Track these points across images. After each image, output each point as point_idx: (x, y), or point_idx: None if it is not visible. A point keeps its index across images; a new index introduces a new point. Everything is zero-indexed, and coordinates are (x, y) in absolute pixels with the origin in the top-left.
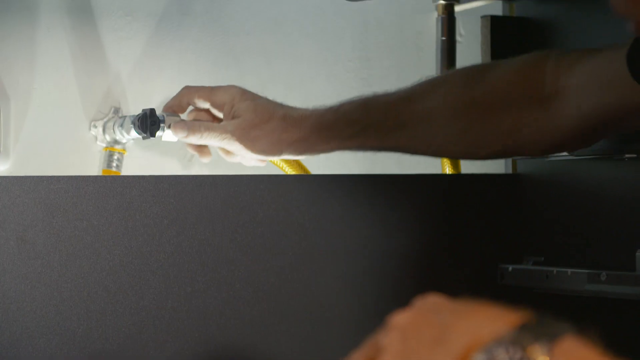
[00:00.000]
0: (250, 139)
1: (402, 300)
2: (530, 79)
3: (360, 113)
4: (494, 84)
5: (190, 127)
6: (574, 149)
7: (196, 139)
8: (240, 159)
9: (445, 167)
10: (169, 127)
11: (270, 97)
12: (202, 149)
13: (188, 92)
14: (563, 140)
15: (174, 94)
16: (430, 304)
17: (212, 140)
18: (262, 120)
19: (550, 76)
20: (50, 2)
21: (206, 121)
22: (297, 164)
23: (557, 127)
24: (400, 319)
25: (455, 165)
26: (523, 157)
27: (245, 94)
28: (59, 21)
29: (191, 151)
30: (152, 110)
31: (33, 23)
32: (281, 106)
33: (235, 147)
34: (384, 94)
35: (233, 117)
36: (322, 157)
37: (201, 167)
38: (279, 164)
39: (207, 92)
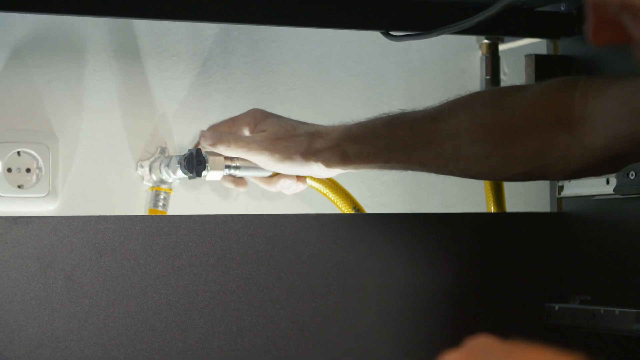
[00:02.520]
0: (279, 149)
1: (449, 340)
2: (558, 103)
3: (387, 128)
4: (521, 106)
5: (219, 136)
6: (600, 174)
7: (224, 149)
8: (280, 188)
9: (490, 206)
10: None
11: None
12: (237, 180)
13: (212, 128)
14: (589, 165)
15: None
16: (481, 344)
17: (239, 150)
18: (289, 133)
19: (578, 101)
20: (97, 44)
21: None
22: (334, 184)
23: (584, 152)
24: (451, 359)
25: (500, 204)
26: (549, 180)
27: (267, 113)
28: (106, 62)
29: (226, 184)
30: (198, 150)
31: (81, 65)
32: (305, 123)
33: (261, 158)
34: (411, 111)
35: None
36: (366, 196)
37: (246, 205)
38: (320, 189)
39: (230, 119)
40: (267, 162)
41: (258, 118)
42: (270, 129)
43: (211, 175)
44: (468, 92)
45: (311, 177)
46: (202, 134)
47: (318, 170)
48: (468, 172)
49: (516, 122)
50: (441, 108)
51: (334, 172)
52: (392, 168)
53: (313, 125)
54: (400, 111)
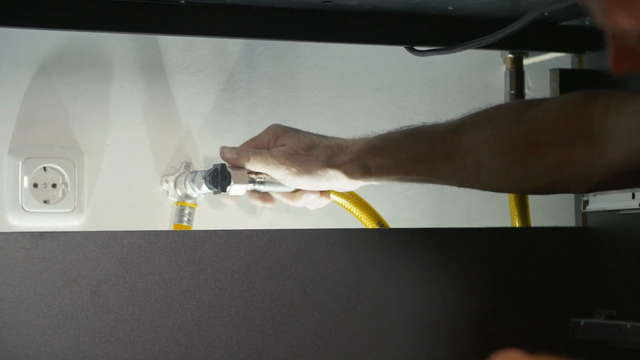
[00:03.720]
0: (297, 163)
1: (474, 355)
2: (578, 117)
3: (408, 141)
4: (542, 120)
5: (239, 151)
6: (620, 188)
7: (243, 162)
8: (304, 203)
9: (514, 220)
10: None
11: None
12: (265, 197)
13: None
14: (610, 179)
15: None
16: (508, 359)
17: (258, 165)
18: (308, 147)
19: (598, 115)
20: (122, 60)
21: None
22: (358, 199)
23: (604, 166)
24: None
25: (525, 219)
26: (570, 193)
27: (287, 128)
28: (132, 78)
29: (254, 202)
30: (223, 165)
31: (106, 80)
32: (325, 136)
33: (279, 172)
34: (432, 124)
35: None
36: (390, 210)
37: (270, 220)
38: (344, 205)
39: (251, 139)
40: (285, 177)
41: (278, 133)
42: (289, 143)
43: (235, 190)
44: (489, 105)
45: (335, 192)
46: (222, 150)
47: (338, 183)
48: (489, 186)
49: (537, 136)
50: (462, 121)
51: (354, 185)
52: (412, 181)
53: (333, 138)
54: (421, 124)
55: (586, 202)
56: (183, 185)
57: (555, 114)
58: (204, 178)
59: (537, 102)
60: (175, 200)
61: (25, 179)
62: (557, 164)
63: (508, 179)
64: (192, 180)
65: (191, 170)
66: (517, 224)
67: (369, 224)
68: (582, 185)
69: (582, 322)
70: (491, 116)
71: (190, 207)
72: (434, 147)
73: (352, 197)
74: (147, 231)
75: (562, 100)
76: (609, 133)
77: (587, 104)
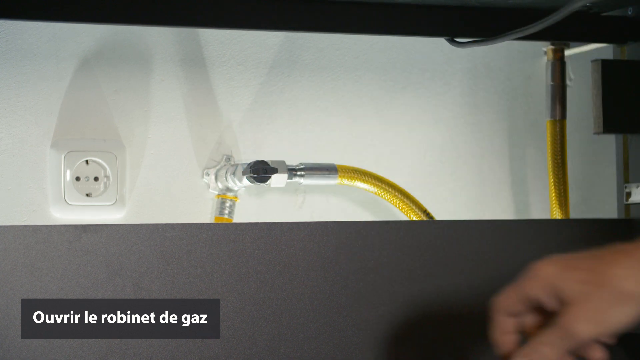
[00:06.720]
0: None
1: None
2: None
3: None
4: None
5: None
6: None
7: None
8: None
9: (554, 213)
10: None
11: (379, 144)
12: None
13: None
14: None
15: (284, 141)
16: None
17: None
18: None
19: None
20: (164, 53)
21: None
22: (402, 191)
23: None
24: None
25: (565, 211)
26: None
27: (561, 264)
28: (173, 71)
29: None
30: (263, 161)
31: (147, 74)
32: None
33: None
34: None
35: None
36: (432, 202)
37: (312, 212)
38: (387, 197)
39: (516, 289)
40: None
41: (553, 277)
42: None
43: (276, 181)
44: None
45: (377, 186)
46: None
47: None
48: None
49: None
50: None
51: None
52: None
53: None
54: None
55: (629, 194)
56: (224, 178)
57: None
58: (245, 171)
59: None
60: (216, 193)
61: (68, 172)
62: None
63: None
64: (233, 173)
65: (232, 163)
66: (557, 216)
67: (414, 216)
68: None
69: None
70: None
71: (231, 200)
72: None
73: (395, 189)
74: (189, 224)
75: None
76: None
77: None
